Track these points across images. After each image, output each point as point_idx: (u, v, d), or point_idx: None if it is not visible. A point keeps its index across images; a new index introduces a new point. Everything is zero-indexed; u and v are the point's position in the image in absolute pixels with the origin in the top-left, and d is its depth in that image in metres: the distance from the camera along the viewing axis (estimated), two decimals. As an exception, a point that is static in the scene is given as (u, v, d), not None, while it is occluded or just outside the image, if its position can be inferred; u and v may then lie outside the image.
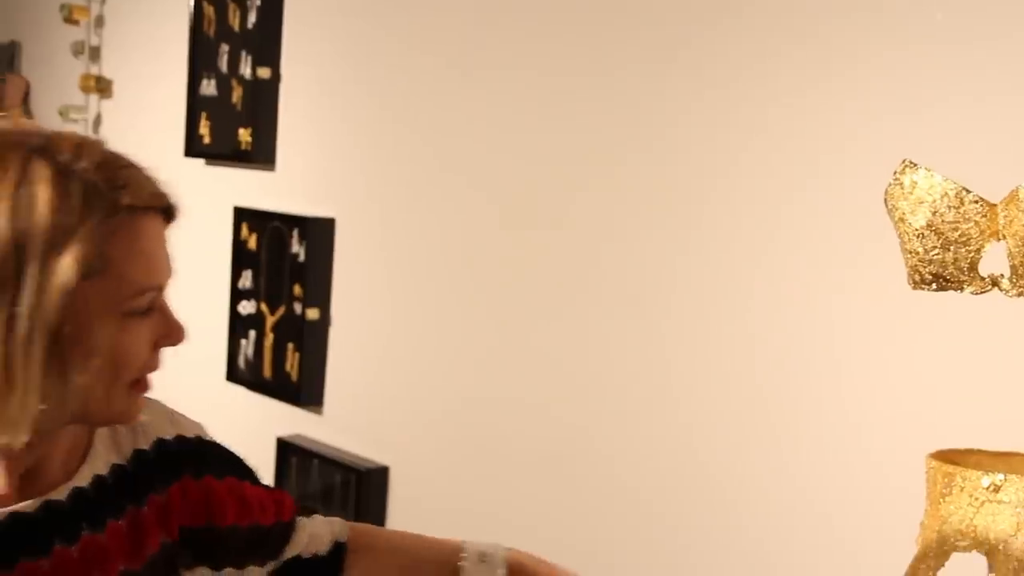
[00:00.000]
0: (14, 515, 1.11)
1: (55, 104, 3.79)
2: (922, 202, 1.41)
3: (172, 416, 1.29)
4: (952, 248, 1.40)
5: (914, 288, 1.45)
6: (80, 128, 3.65)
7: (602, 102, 2.16)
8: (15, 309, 1.02)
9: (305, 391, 2.83)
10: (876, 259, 1.72)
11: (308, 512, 1.39)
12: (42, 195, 1.02)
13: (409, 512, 2.62)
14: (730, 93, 1.96)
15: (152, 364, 1.13)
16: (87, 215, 1.04)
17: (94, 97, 3.66)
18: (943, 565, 1.36)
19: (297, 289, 2.85)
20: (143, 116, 3.51)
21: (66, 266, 1.02)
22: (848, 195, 1.80)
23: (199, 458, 1.28)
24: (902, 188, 1.44)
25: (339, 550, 1.38)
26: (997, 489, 1.32)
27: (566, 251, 2.23)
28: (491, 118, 2.39)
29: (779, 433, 1.90)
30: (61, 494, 1.15)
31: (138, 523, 1.19)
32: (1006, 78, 1.65)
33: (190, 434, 1.29)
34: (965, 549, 1.35)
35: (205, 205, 3.20)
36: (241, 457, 1.34)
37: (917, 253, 1.43)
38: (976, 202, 1.38)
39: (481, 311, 2.40)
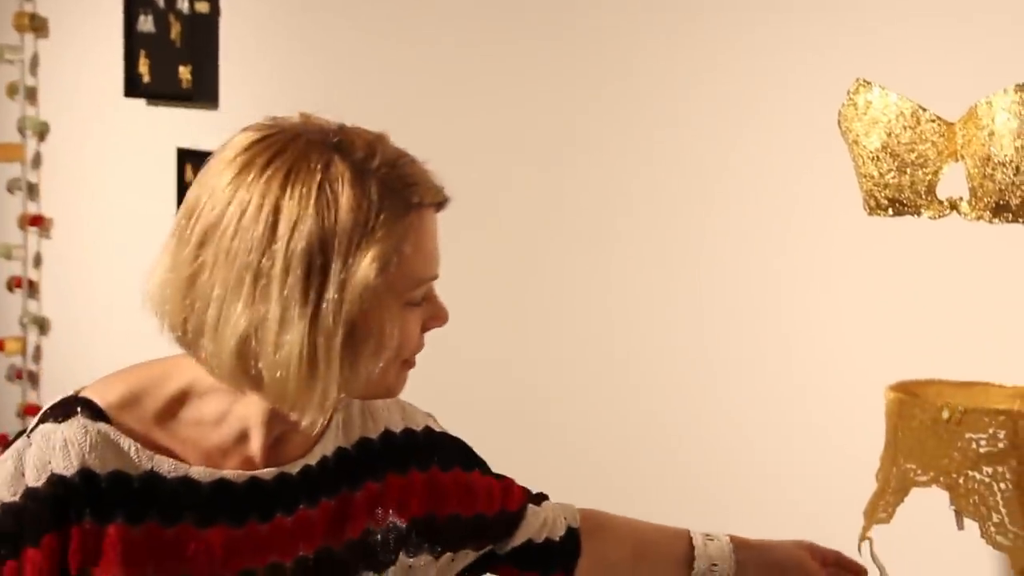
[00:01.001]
0: (253, 480, 1.19)
1: (-11, 44, 3.66)
2: (877, 123, 1.35)
3: (404, 409, 1.34)
4: (909, 171, 1.34)
5: (870, 214, 1.39)
6: (17, 70, 3.52)
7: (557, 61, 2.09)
8: (320, 305, 1.07)
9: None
10: (831, 185, 1.66)
11: (539, 499, 1.42)
12: (345, 194, 1.08)
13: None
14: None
15: (421, 345, 1.18)
16: (384, 214, 1.09)
17: (29, 36, 3.53)
18: (903, 500, 1.32)
19: (242, 231, 2.76)
20: (80, 55, 3.39)
21: (367, 264, 1.07)
22: (801, 118, 1.74)
23: (426, 450, 1.32)
24: (856, 108, 1.38)
25: (573, 535, 1.41)
26: (958, 421, 1.27)
27: (526, 191, 2.16)
28: (445, 53, 2.30)
29: (733, 367, 1.84)
30: (294, 468, 1.21)
31: (347, 505, 1.25)
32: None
33: (419, 427, 1.34)
34: (925, 484, 1.30)
35: (147, 147, 3.11)
36: (469, 447, 1.39)
37: (872, 177, 1.37)
38: (933, 121, 1.32)
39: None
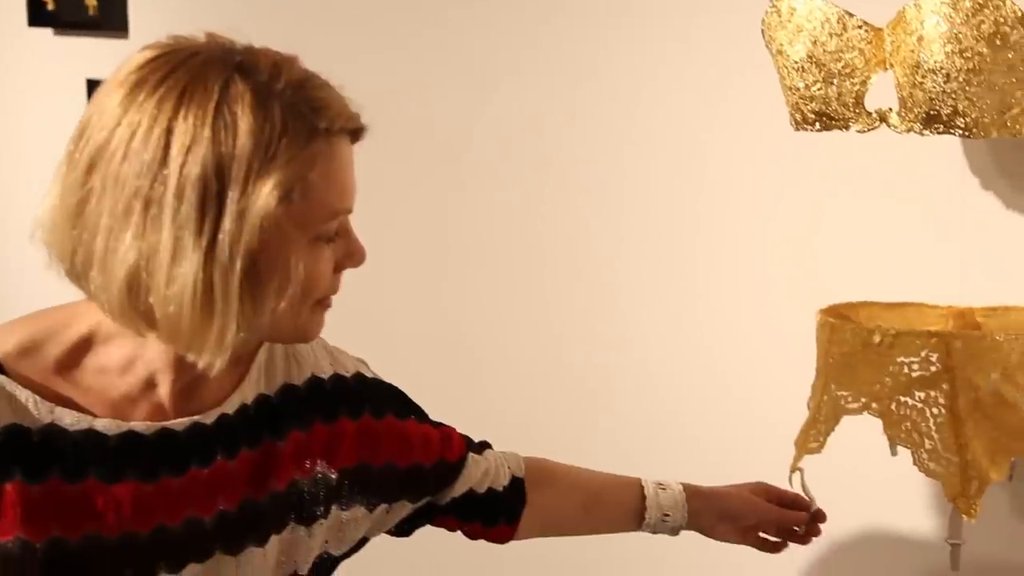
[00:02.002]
0: (165, 430, 1.12)
1: None
2: (801, 30, 1.27)
3: (333, 354, 1.28)
4: (835, 81, 1.26)
5: (796, 129, 1.32)
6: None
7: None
8: (216, 236, 1.00)
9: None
10: (755, 100, 1.59)
11: (482, 447, 1.37)
12: (244, 117, 1.01)
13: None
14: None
15: (335, 285, 1.11)
16: (287, 139, 1.02)
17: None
18: (834, 429, 1.26)
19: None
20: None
21: (267, 192, 1.00)
22: (721, 29, 1.66)
23: (357, 397, 1.26)
24: (779, 15, 1.30)
25: (517, 485, 1.37)
26: (889, 345, 1.21)
27: (447, 129, 2.07)
28: None
29: (657, 294, 1.78)
30: (209, 418, 1.15)
31: (271, 456, 1.18)
32: None
33: (349, 372, 1.27)
34: (856, 411, 1.25)
35: (55, 79, 2.97)
36: (404, 394, 1.32)
37: (798, 89, 1.29)
38: (860, 27, 1.25)
39: (365, 190, 2.24)
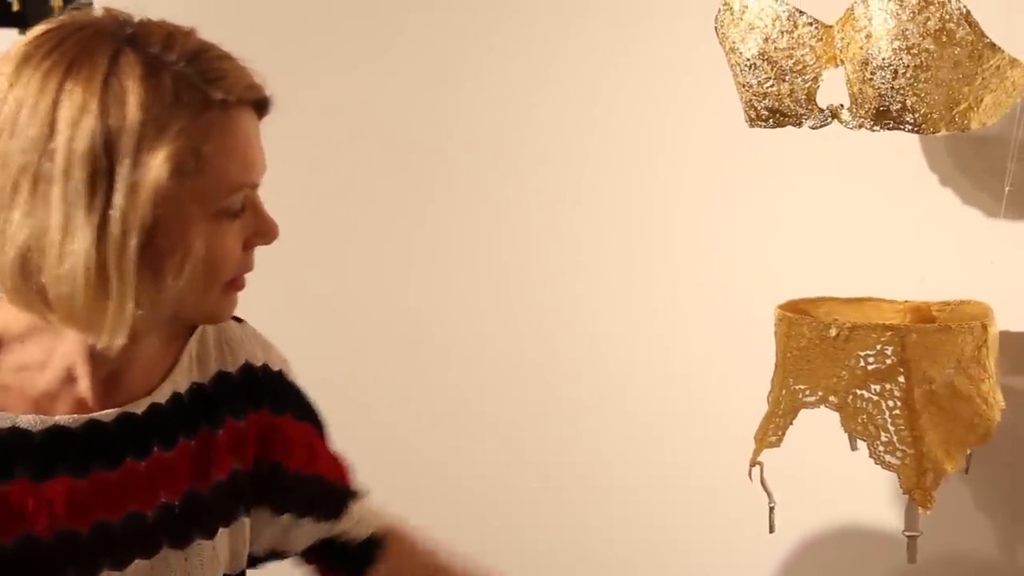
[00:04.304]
0: (93, 422, 1.08)
1: None
2: (753, 28, 1.28)
3: (264, 344, 1.26)
4: (788, 78, 1.27)
5: (751, 126, 1.33)
6: None
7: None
8: (108, 212, 0.97)
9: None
10: (711, 97, 1.59)
11: (361, 494, 1.34)
12: (132, 90, 0.97)
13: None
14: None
15: (246, 264, 1.08)
16: (178, 111, 0.99)
17: None
18: (791, 423, 1.28)
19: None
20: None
21: (158, 164, 0.97)
22: (677, 27, 1.66)
23: (281, 394, 1.24)
24: (732, 13, 1.31)
25: (372, 544, 1.31)
26: (845, 339, 1.22)
27: (417, 125, 2.07)
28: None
29: (616, 291, 1.79)
30: (139, 407, 1.11)
31: (210, 445, 1.16)
32: None
33: (275, 367, 1.25)
34: (814, 405, 1.26)
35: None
36: (318, 409, 1.29)
37: (751, 87, 1.30)
38: (810, 24, 1.26)
39: (333, 186, 2.24)
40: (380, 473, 2.21)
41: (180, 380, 1.15)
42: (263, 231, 1.08)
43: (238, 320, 1.24)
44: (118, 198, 0.97)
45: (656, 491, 1.78)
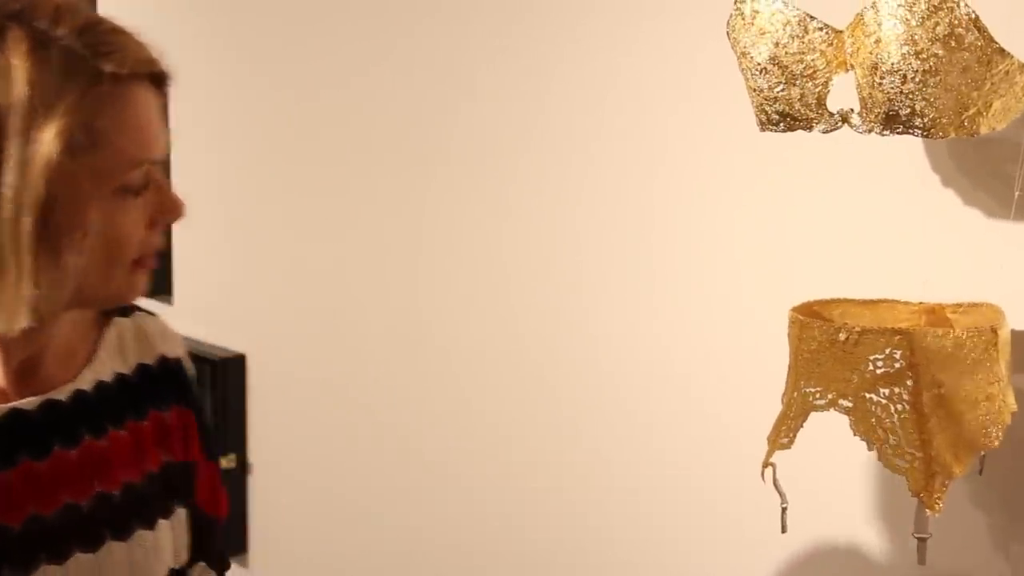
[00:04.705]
0: (15, 411, 1.07)
1: None
2: (764, 33, 1.29)
3: (177, 338, 1.26)
4: (798, 83, 1.28)
5: (762, 130, 1.33)
6: None
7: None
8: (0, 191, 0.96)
9: (152, 281, 2.65)
10: (722, 101, 1.60)
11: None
12: (18, 66, 0.96)
13: (268, 400, 2.49)
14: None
15: (151, 242, 1.06)
16: (68, 85, 0.97)
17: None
18: (802, 425, 1.28)
19: (134, 171, 2.65)
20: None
21: (48, 140, 0.95)
22: (689, 32, 1.67)
23: (190, 395, 1.25)
24: (743, 18, 1.31)
25: None
26: (855, 342, 1.23)
27: (417, 128, 2.08)
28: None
29: (630, 296, 1.79)
30: (62, 394, 1.10)
31: (139, 436, 1.16)
32: None
33: (188, 364, 1.25)
34: (824, 407, 1.27)
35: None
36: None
37: (762, 91, 1.31)
38: (821, 30, 1.26)
39: (334, 188, 2.25)
40: (382, 473, 2.23)
41: (102, 369, 1.14)
42: (168, 209, 1.06)
43: (151, 314, 1.25)
44: (9, 176, 0.95)
45: (659, 492, 1.79)
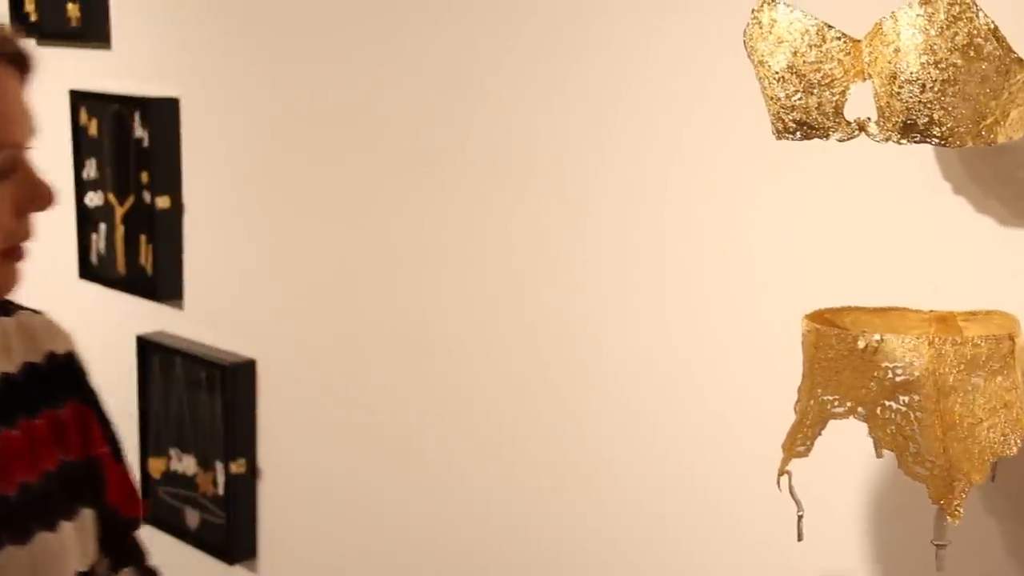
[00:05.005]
0: None
1: None
2: (782, 42, 1.29)
3: (64, 333, 1.22)
4: (816, 91, 1.28)
5: (778, 138, 1.34)
6: None
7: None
8: None
9: (162, 285, 2.66)
10: (738, 108, 1.61)
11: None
12: None
13: (277, 405, 2.50)
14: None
15: (21, 232, 1.02)
16: None
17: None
18: (820, 433, 1.28)
19: (144, 177, 2.66)
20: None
21: None
22: (707, 39, 1.67)
23: (86, 388, 1.21)
24: (760, 27, 1.32)
25: None
26: (874, 350, 1.23)
27: (426, 128, 2.08)
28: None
29: (644, 305, 1.80)
30: None
31: (33, 435, 1.12)
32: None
33: (77, 358, 1.21)
34: (843, 415, 1.27)
35: (39, 89, 2.97)
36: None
37: (779, 99, 1.31)
38: (839, 39, 1.27)
39: (343, 190, 2.25)
40: (391, 479, 2.23)
41: None
42: (36, 197, 1.02)
43: (36, 311, 1.21)
44: None
45: (670, 498, 1.79)
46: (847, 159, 1.49)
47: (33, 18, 2.93)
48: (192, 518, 2.67)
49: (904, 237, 1.51)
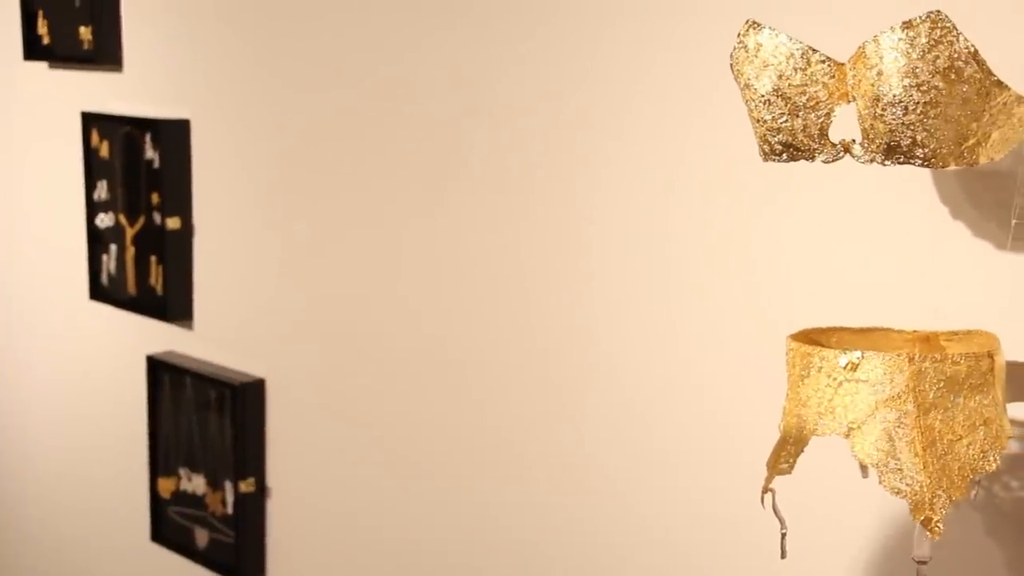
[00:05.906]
0: None
1: None
2: (767, 65, 1.31)
3: None
4: (801, 114, 1.30)
5: (765, 160, 1.36)
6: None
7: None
8: None
9: (172, 305, 2.69)
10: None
11: None
12: None
13: (286, 425, 2.52)
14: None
15: None
16: None
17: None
18: (802, 451, 1.30)
19: (155, 198, 2.69)
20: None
21: None
22: (693, 64, 1.69)
23: None
24: (746, 51, 1.34)
25: None
26: (855, 368, 1.25)
27: (434, 148, 2.11)
28: (355, 10, 2.24)
29: (629, 323, 1.81)
30: None
31: None
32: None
33: None
34: (823, 433, 1.28)
35: (51, 112, 3.02)
36: None
37: (765, 122, 1.33)
38: (823, 62, 1.29)
39: (352, 210, 2.28)
40: (401, 498, 2.25)
41: None
42: None
43: None
44: None
45: (678, 509, 1.80)
46: (849, 179, 1.51)
47: (46, 41, 2.97)
48: (201, 537, 2.70)
49: (901, 258, 1.52)
